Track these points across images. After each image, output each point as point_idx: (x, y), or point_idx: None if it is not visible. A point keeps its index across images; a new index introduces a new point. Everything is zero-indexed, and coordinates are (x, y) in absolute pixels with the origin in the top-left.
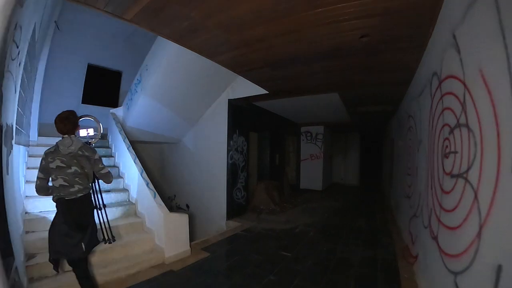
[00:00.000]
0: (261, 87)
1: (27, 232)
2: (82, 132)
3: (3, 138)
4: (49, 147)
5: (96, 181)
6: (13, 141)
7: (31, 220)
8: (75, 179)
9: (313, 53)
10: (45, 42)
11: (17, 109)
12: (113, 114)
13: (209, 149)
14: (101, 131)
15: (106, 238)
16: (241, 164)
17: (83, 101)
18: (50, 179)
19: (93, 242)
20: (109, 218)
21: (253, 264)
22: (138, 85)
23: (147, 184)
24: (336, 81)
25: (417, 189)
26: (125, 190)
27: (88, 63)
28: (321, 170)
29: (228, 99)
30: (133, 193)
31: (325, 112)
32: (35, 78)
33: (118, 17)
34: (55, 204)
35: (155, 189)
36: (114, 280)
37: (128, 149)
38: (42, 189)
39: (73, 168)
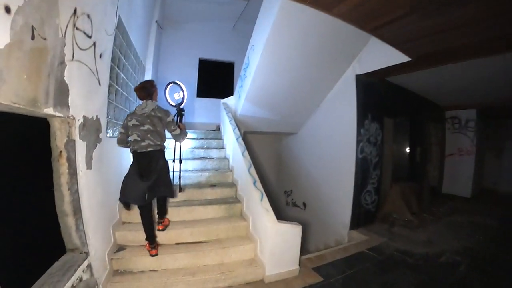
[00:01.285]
0: (400, 51)
1: (123, 223)
2: (176, 96)
3: (76, 131)
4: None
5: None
6: (101, 135)
7: (128, 212)
8: (147, 135)
9: None
10: (149, 41)
11: (109, 103)
12: (224, 104)
13: (333, 140)
14: (186, 94)
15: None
16: (373, 160)
17: (198, 95)
18: (129, 134)
19: (158, 193)
20: (211, 216)
21: None
22: (247, 69)
23: (254, 183)
24: None
25: None
26: (233, 185)
27: (199, 58)
28: (472, 170)
29: (356, 75)
30: (241, 190)
31: (484, 88)
32: (144, 76)
33: None
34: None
35: (269, 185)
36: None
37: (237, 140)
38: (121, 141)
39: (146, 126)
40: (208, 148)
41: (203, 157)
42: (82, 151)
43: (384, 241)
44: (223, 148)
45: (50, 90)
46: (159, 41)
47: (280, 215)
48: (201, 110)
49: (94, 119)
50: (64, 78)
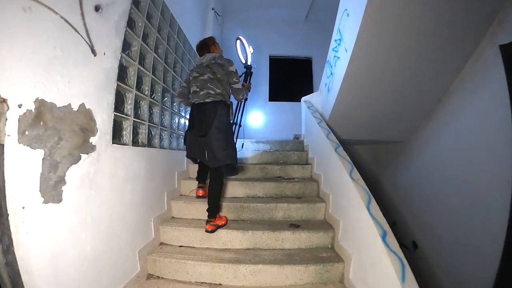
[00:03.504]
0: None
1: (149, 277)
2: (250, 49)
3: (11, 127)
4: None
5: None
6: (96, 139)
7: (158, 261)
8: (207, 84)
9: None
10: (205, 31)
11: (126, 90)
12: (307, 102)
13: (466, 153)
14: (249, 50)
15: None
16: None
17: (270, 98)
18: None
19: (219, 157)
20: (290, 282)
21: None
22: (339, 46)
23: (384, 237)
24: None
25: None
26: (327, 226)
27: (269, 55)
28: None
29: (500, 46)
30: (343, 238)
31: None
32: None
33: None
34: None
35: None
36: None
37: (336, 151)
38: (180, 94)
39: (206, 76)
40: (285, 164)
41: (278, 178)
42: (27, 169)
43: None
44: (307, 164)
45: None
46: (220, 33)
47: None
48: (274, 116)
49: (75, 109)
50: None
